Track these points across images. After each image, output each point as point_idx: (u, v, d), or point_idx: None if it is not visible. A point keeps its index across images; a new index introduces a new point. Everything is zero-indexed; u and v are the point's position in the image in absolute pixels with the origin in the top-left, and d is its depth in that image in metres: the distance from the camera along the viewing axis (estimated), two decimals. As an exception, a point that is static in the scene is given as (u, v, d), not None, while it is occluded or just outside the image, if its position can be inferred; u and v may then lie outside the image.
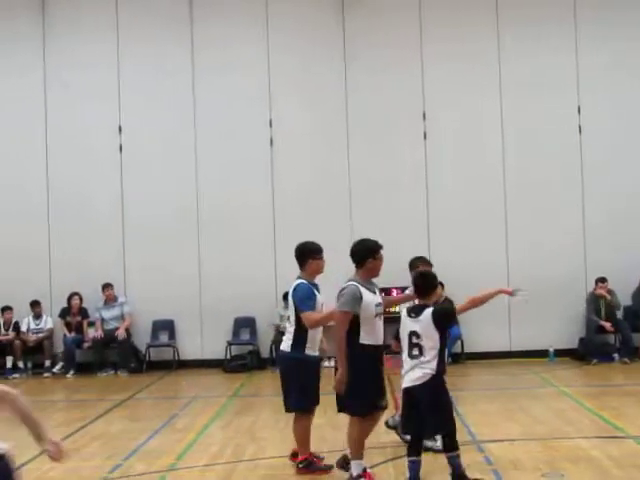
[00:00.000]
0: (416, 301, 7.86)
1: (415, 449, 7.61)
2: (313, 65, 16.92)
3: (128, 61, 17.06)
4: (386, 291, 16.14)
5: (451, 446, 7.50)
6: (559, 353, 16.04)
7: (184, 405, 12.84)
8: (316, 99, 16.87)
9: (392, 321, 8.49)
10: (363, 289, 7.70)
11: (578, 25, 16.63)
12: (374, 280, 8.03)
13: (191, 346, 16.71)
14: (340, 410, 7.84)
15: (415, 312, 7.58)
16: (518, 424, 10.48)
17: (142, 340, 16.78)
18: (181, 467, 8.79)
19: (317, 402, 8.37)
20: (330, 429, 9.70)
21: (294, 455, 8.47)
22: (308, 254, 8.66)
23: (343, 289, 7.74)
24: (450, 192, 16.58)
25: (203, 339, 16.80)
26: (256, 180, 16.80)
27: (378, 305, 7.74)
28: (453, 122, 16.67)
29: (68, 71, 17.10)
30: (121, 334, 16.34)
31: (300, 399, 8.23)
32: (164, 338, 16.82)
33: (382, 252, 8.07)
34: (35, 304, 16.72)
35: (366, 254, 7.95)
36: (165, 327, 16.85)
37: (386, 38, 16.76)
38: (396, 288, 16.13)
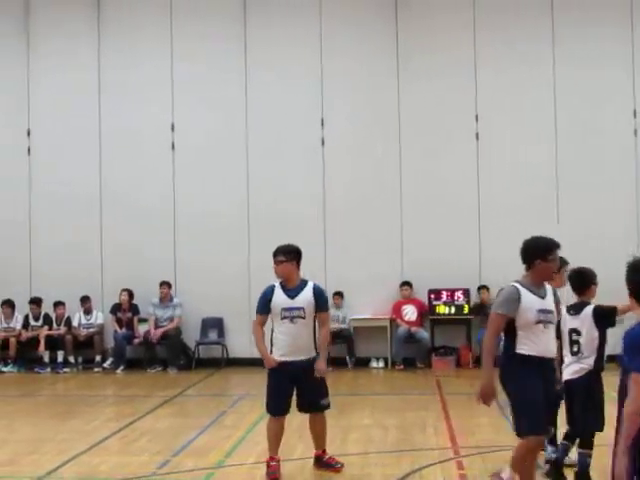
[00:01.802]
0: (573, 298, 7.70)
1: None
2: (365, 66, 16.89)
3: (181, 60, 17.15)
4: (436, 293, 16.26)
5: (586, 444, 7.43)
6: None
7: (232, 403, 12.89)
8: (368, 100, 16.84)
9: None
10: (525, 291, 6.75)
11: (635, 28, 16.41)
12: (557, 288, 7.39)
13: (240, 344, 16.74)
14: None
15: (575, 309, 7.57)
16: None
17: (191, 337, 16.87)
18: (229, 464, 8.81)
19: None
20: (378, 429, 9.67)
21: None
22: (536, 254, 6.98)
23: (502, 289, 7.01)
24: (502, 192, 16.45)
25: (252, 337, 16.79)
26: (307, 180, 16.82)
27: (543, 311, 6.72)
28: (506, 123, 16.54)
29: (122, 70, 17.25)
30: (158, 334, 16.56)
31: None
32: (213, 336, 16.90)
33: (557, 253, 7.09)
34: (85, 300, 16.90)
35: (534, 254, 6.92)
36: (214, 325, 16.93)
37: (439, 40, 16.69)
38: (446, 290, 16.12)
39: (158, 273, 16.81)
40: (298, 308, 8.33)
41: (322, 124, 16.81)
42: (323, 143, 16.81)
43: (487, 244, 16.14)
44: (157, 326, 16.64)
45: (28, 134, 17.39)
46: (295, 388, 8.36)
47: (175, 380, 15.46)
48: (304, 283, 8.51)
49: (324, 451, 8.51)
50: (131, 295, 16.86)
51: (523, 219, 16.18)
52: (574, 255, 8.25)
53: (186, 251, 16.99)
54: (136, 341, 16.77)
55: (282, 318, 8.39)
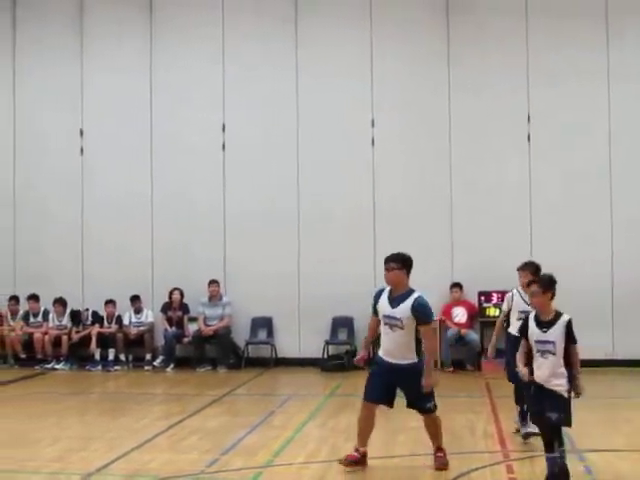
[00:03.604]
0: None
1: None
2: (416, 67, 16.80)
3: (232, 60, 17.22)
4: (486, 295, 16.12)
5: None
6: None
7: (281, 403, 12.89)
8: (418, 102, 16.74)
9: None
10: None
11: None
12: None
13: (289, 344, 16.78)
14: None
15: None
16: (621, 434, 10.21)
17: (241, 337, 16.92)
18: (278, 464, 8.81)
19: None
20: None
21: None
22: None
23: None
24: (555, 194, 16.28)
25: (301, 338, 16.85)
26: (357, 179, 16.78)
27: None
28: (557, 128, 16.35)
29: (173, 70, 17.38)
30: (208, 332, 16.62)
31: None
32: (262, 335, 16.94)
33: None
34: (135, 299, 17.03)
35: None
36: (264, 325, 16.97)
37: (491, 42, 16.55)
38: (496, 292, 15.98)
39: (208, 272, 16.89)
40: (397, 318, 8.41)
41: (372, 125, 16.76)
42: (373, 143, 16.76)
43: (538, 246, 15.95)
44: (206, 325, 16.72)
45: (81, 134, 17.58)
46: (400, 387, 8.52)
47: (224, 379, 15.51)
48: (409, 293, 8.53)
49: (439, 448, 8.55)
50: (182, 294, 16.96)
51: (574, 221, 16.05)
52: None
53: (236, 250, 17.05)
54: (186, 340, 16.86)
55: (384, 324, 8.53)
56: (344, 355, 16.31)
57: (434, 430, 8.61)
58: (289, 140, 17.01)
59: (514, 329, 9.43)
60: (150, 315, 17.09)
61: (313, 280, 16.72)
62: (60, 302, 17.18)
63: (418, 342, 8.41)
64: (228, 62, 17.21)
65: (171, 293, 16.97)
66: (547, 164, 16.35)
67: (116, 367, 16.65)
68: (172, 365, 16.58)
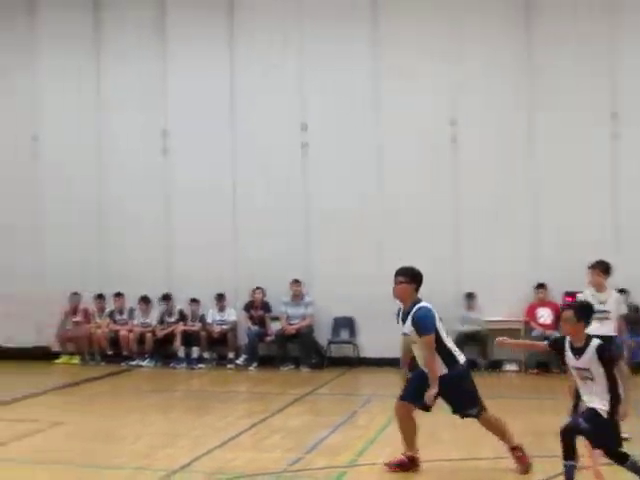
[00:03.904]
0: None
1: None
2: (497, 69, 16.59)
3: (312, 62, 17.22)
4: (572, 295, 15.80)
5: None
6: None
7: (363, 402, 12.87)
8: (499, 99, 16.53)
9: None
10: None
11: None
12: None
13: (371, 344, 16.71)
14: None
15: None
16: None
17: (323, 336, 16.93)
18: (361, 464, 8.79)
19: None
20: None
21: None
22: None
23: None
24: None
25: (383, 337, 16.74)
26: (439, 179, 16.65)
27: None
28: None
29: (253, 73, 17.46)
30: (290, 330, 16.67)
31: None
32: (345, 335, 16.92)
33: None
34: (220, 297, 17.17)
35: None
36: (346, 324, 16.94)
37: (572, 44, 16.25)
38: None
39: (290, 272, 16.94)
40: (407, 334, 8.50)
41: (452, 124, 16.59)
42: (455, 141, 16.60)
43: (626, 244, 15.63)
44: (289, 324, 16.77)
45: (164, 135, 17.78)
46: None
47: (307, 378, 15.53)
48: (412, 306, 8.53)
49: (513, 448, 8.46)
50: (264, 293, 17.05)
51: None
52: None
53: (318, 250, 17.06)
54: (268, 339, 16.94)
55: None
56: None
57: (496, 431, 8.52)
58: (370, 140, 16.96)
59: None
60: (233, 314, 17.22)
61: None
62: (145, 300, 17.43)
63: (446, 352, 8.37)
64: (307, 65, 17.21)
65: (253, 292, 17.07)
66: (633, 160, 15.99)
67: (200, 365, 16.81)
68: (255, 364, 16.68)
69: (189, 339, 17.06)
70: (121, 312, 17.68)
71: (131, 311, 17.65)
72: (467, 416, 8.50)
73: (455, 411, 8.54)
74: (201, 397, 14.00)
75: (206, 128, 17.62)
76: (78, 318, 17.71)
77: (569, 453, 7.26)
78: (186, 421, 11.44)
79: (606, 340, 7.97)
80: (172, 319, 17.30)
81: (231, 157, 17.53)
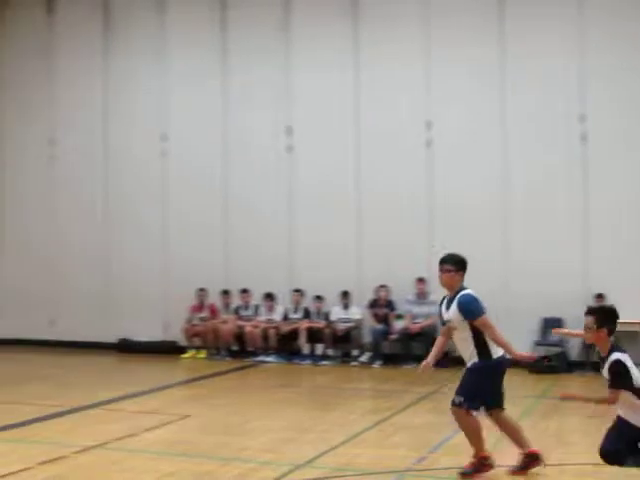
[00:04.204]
0: None
1: None
2: (625, 63, 16.16)
3: (438, 58, 17.09)
4: None
5: None
6: None
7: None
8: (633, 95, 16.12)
9: None
10: None
11: None
12: None
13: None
14: None
15: None
16: None
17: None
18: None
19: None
20: None
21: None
22: None
23: None
24: None
25: (507, 337, 16.48)
26: (564, 177, 16.33)
27: None
28: None
29: (377, 68, 17.47)
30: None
31: None
32: (469, 334, 16.70)
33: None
34: (344, 295, 17.21)
35: None
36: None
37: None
38: None
39: (414, 270, 16.83)
40: (450, 320, 8.41)
41: (583, 120, 16.21)
42: (585, 139, 16.20)
43: None
44: (413, 323, 16.68)
45: (288, 133, 17.93)
46: None
47: (431, 376, 15.37)
48: (457, 293, 8.43)
49: (528, 453, 8.35)
50: (387, 291, 17.01)
51: None
52: None
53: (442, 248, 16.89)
54: (392, 337, 16.88)
55: (447, 327, 8.52)
56: (554, 357, 15.85)
57: (510, 433, 8.44)
58: (494, 136, 16.75)
59: None
60: (358, 312, 17.23)
61: (522, 277, 16.34)
62: (269, 297, 17.62)
63: (482, 343, 8.25)
64: (434, 60, 17.09)
65: (378, 290, 17.05)
66: None
67: (324, 362, 16.89)
68: (379, 361, 16.65)
69: (314, 336, 17.17)
70: (246, 308, 17.92)
71: (256, 307, 17.87)
72: (452, 403, 8.37)
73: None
74: (326, 393, 14.06)
75: (330, 124, 17.69)
76: (204, 314, 18.03)
77: None
78: (311, 416, 11.50)
79: None
80: (297, 316, 17.43)
81: (355, 153, 17.54)
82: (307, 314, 17.39)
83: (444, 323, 8.57)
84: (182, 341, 18.09)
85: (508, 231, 16.56)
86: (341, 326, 17.13)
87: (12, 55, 20.05)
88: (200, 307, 18.11)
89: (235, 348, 17.79)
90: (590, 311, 7.46)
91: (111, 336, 18.71)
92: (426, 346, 16.41)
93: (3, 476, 8.15)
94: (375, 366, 16.54)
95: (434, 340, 12.22)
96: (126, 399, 12.67)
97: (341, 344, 17.27)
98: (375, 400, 13.43)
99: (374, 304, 17.13)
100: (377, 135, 17.40)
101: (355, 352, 17.10)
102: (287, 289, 17.67)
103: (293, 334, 17.31)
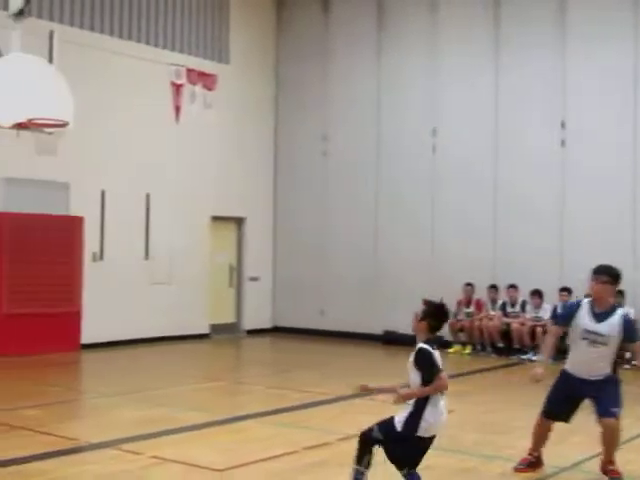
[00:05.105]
0: None
1: None
2: None
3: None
4: None
5: None
6: None
7: None
8: None
9: None
10: None
11: None
12: None
13: None
14: None
15: None
16: None
17: None
18: None
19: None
20: None
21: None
22: None
23: None
24: None
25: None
26: None
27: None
28: None
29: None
30: None
31: None
32: None
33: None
34: (619, 293, 16.47)
35: None
36: None
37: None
38: None
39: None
40: (602, 335, 8.09)
41: None
42: None
43: None
44: None
45: (562, 127, 17.50)
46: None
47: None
48: (614, 308, 8.21)
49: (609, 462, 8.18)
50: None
51: None
52: None
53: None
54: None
55: (582, 338, 8.25)
56: None
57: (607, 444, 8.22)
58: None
59: None
60: (631, 312, 16.49)
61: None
62: (537, 294, 17.24)
63: (616, 359, 8.19)
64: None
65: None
66: None
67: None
68: (652, 364, 15.87)
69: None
70: (513, 304, 17.64)
71: (523, 304, 17.53)
72: (611, 415, 8.20)
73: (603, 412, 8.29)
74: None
75: (606, 119, 17.10)
76: (471, 309, 17.93)
77: None
78: (580, 417, 11.10)
79: None
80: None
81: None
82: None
83: (566, 325, 8.43)
84: (447, 335, 18.09)
85: None
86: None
87: (289, 54, 20.89)
88: (467, 302, 18.03)
89: (500, 345, 17.56)
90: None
91: (377, 327, 19.05)
92: None
93: (266, 459, 8.48)
94: (650, 369, 15.79)
95: None
96: (391, 390, 12.79)
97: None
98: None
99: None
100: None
101: (627, 355, 16.36)
102: (555, 286, 17.20)
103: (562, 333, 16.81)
